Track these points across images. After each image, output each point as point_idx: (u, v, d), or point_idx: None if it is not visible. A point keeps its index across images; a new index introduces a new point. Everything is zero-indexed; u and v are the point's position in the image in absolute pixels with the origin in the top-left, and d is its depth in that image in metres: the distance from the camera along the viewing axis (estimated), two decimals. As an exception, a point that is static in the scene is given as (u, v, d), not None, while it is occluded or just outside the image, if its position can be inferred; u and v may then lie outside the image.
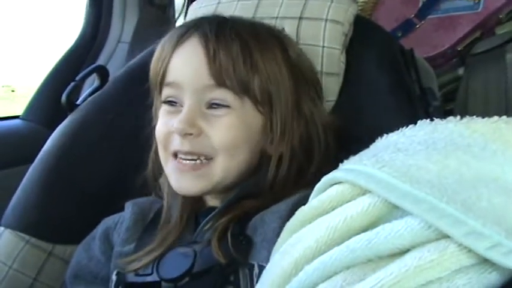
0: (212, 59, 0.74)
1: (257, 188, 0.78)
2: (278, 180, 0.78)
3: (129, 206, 0.87)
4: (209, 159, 0.76)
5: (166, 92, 0.79)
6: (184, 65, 0.77)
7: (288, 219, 0.68)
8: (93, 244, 0.87)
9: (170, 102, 0.78)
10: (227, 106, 0.75)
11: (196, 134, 0.75)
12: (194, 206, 0.82)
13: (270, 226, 0.71)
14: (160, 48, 0.81)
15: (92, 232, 0.89)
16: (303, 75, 0.82)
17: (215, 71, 0.74)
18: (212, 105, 0.76)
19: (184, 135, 0.74)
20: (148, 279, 0.74)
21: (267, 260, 0.67)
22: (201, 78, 0.75)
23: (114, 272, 0.80)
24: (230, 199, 0.78)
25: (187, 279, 0.72)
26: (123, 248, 0.82)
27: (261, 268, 0.69)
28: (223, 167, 0.76)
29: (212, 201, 0.83)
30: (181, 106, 0.77)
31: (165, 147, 0.79)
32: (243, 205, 0.77)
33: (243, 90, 0.75)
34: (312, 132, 0.81)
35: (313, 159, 0.80)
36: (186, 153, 0.76)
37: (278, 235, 0.67)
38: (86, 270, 0.86)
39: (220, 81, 0.74)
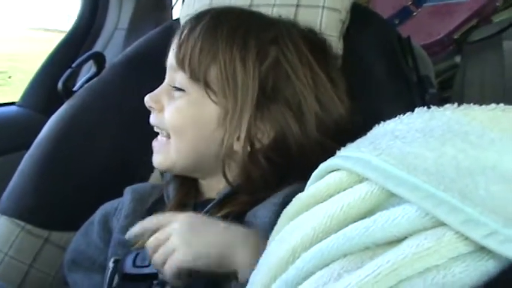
0: (180, 43, 0.80)
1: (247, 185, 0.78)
2: (263, 176, 0.77)
3: (128, 192, 0.88)
4: (168, 137, 0.81)
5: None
6: (171, 48, 0.83)
7: (279, 213, 0.69)
8: (92, 230, 0.88)
9: None
10: (182, 90, 0.79)
11: (158, 109, 0.81)
12: (190, 195, 0.83)
13: (261, 220, 0.72)
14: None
15: (90, 218, 0.89)
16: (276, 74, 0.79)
17: (179, 54, 0.79)
18: (174, 87, 0.80)
19: (150, 107, 0.82)
20: (146, 271, 0.74)
21: None
22: (173, 60, 0.80)
23: (112, 260, 0.79)
24: (225, 192, 0.79)
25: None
26: (122, 235, 0.82)
27: None
28: (175, 147, 0.80)
29: (209, 193, 0.83)
30: None
31: None
32: (238, 199, 0.77)
33: (196, 76, 0.78)
34: (287, 132, 0.78)
35: (304, 154, 0.78)
36: (153, 126, 0.82)
37: (270, 229, 0.68)
38: (84, 256, 0.87)
39: (179, 64, 0.79)
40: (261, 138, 0.78)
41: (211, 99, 0.78)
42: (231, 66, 0.77)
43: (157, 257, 0.67)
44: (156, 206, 0.84)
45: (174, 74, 0.80)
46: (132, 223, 0.83)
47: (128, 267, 0.77)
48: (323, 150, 0.78)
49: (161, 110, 0.81)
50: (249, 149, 0.77)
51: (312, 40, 0.83)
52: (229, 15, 0.82)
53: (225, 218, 0.74)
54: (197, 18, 0.82)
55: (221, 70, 0.77)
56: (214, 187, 0.81)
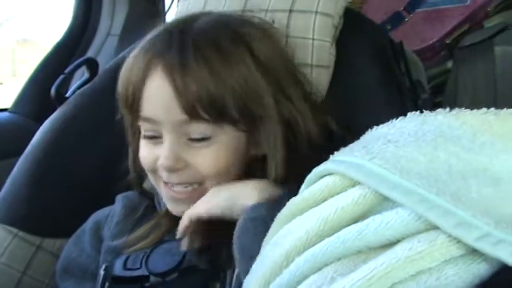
0: (182, 92, 0.69)
1: None
2: (279, 179, 0.76)
3: (119, 199, 0.87)
4: (201, 184, 0.75)
5: (143, 125, 0.76)
6: (156, 103, 0.72)
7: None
8: (83, 238, 0.87)
9: (150, 137, 0.75)
10: (207, 138, 0.72)
11: (183, 167, 0.73)
12: None
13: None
14: (128, 72, 0.75)
15: (82, 226, 0.89)
16: (278, 74, 0.77)
17: (186, 104, 0.70)
18: (192, 139, 0.73)
19: (170, 169, 0.73)
20: (137, 273, 0.74)
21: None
22: (175, 114, 0.71)
23: (103, 267, 0.79)
24: None
25: (176, 274, 0.72)
26: (113, 242, 0.82)
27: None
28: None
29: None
30: (161, 138, 0.74)
31: (153, 174, 0.77)
32: None
33: (219, 118, 0.71)
34: (296, 130, 0.78)
35: (301, 158, 0.78)
36: (177, 184, 0.75)
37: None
38: (75, 264, 0.86)
39: (194, 114, 0.70)
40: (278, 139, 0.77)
41: (240, 130, 0.74)
42: (245, 87, 0.72)
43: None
44: (148, 213, 0.84)
45: (186, 127, 0.72)
46: (123, 230, 0.83)
47: (119, 270, 0.76)
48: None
49: (186, 166, 0.73)
50: (279, 151, 0.75)
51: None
52: (204, 40, 0.73)
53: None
54: (169, 51, 0.72)
55: (236, 97, 0.71)
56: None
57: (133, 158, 0.84)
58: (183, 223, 0.73)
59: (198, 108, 0.70)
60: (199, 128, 0.71)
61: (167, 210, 0.80)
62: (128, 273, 0.75)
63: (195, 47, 0.72)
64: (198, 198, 0.75)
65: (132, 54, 0.77)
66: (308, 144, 0.78)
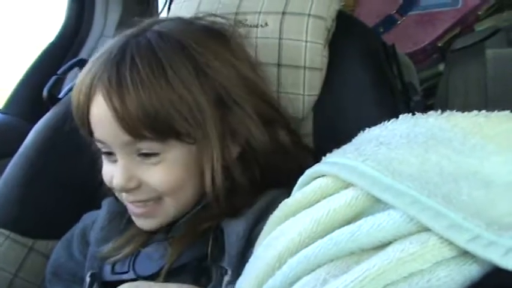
0: (121, 115, 0.69)
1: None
2: (238, 186, 0.76)
3: (105, 204, 0.87)
4: (158, 200, 0.75)
5: (98, 144, 0.76)
6: (100, 126, 0.72)
7: (254, 223, 0.70)
8: (72, 243, 0.87)
9: (106, 153, 0.76)
10: (156, 154, 0.72)
11: (137, 186, 0.73)
12: None
13: (235, 230, 0.72)
14: (77, 94, 0.74)
15: (71, 229, 0.89)
16: (226, 86, 0.75)
17: (128, 126, 0.69)
18: (142, 154, 0.72)
19: (125, 190, 0.74)
20: (125, 277, 0.74)
21: (229, 264, 0.68)
22: (118, 136, 0.70)
23: (88, 274, 0.79)
24: (198, 208, 0.78)
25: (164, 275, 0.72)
26: (98, 248, 0.81)
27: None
28: (174, 204, 0.75)
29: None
30: (115, 155, 0.74)
31: (115, 190, 0.78)
32: (211, 212, 0.76)
33: (163, 134, 0.70)
34: (252, 141, 0.76)
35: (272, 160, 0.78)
36: (133, 201, 0.75)
37: (241, 240, 0.69)
38: (64, 269, 0.86)
39: (137, 135, 0.70)
40: (232, 152, 0.76)
41: (188, 143, 0.72)
42: (190, 99, 0.70)
43: None
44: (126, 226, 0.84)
45: (134, 145, 0.71)
46: (108, 235, 0.82)
47: (107, 275, 0.77)
48: (289, 155, 0.80)
49: (140, 185, 0.73)
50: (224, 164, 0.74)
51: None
52: (144, 55, 0.71)
53: (201, 222, 0.75)
54: (108, 72, 0.70)
55: (181, 111, 0.70)
56: (188, 202, 0.78)
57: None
58: None
59: (140, 128, 0.69)
60: (145, 145, 0.71)
61: None
62: (117, 277, 0.75)
63: (132, 66, 0.70)
64: (157, 213, 0.75)
65: (81, 72, 0.76)
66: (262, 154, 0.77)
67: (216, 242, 0.73)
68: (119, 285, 0.70)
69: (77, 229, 0.88)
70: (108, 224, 0.83)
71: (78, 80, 0.75)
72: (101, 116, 0.71)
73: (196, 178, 0.75)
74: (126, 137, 0.70)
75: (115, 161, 0.74)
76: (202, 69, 0.73)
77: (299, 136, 0.87)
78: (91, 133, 0.75)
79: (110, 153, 0.75)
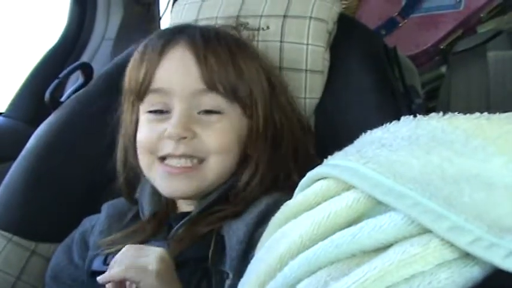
0: (203, 63, 0.74)
1: (231, 191, 0.78)
2: (253, 183, 0.78)
3: (105, 208, 0.87)
4: (201, 161, 0.76)
5: (151, 99, 0.78)
6: (175, 71, 0.76)
7: (255, 227, 0.70)
8: (72, 247, 0.87)
9: (156, 112, 0.77)
10: (219, 112, 0.76)
11: (191, 137, 0.75)
12: (164, 209, 0.83)
13: (235, 233, 0.72)
14: (140, 55, 0.79)
15: (71, 234, 0.89)
16: (274, 83, 0.83)
17: (206, 75, 0.74)
18: (204, 112, 0.76)
19: (179, 139, 0.74)
20: None
21: (230, 267, 0.68)
22: (193, 82, 0.75)
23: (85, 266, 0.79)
24: (205, 205, 0.78)
25: None
26: (96, 251, 0.81)
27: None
28: (215, 169, 0.77)
29: (185, 207, 0.82)
30: (169, 113, 0.76)
31: (150, 153, 0.78)
32: (215, 212, 0.77)
33: (233, 95, 0.76)
34: (284, 136, 0.82)
35: (287, 163, 0.81)
36: (180, 156, 0.75)
37: (241, 243, 0.70)
38: (65, 273, 0.86)
39: (211, 85, 0.75)
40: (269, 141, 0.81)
41: (246, 114, 0.78)
42: (255, 79, 0.78)
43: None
44: (134, 221, 0.84)
45: (200, 98, 0.75)
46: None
47: (98, 265, 0.77)
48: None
49: (193, 137, 0.75)
50: (267, 153, 0.80)
51: None
52: (222, 31, 0.82)
53: (201, 228, 0.75)
54: (183, 33, 0.79)
55: (247, 85, 0.77)
56: (226, 171, 0.80)
57: (123, 157, 0.85)
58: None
59: (216, 80, 0.74)
60: (212, 100, 0.75)
61: (150, 218, 0.80)
62: (106, 269, 0.75)
63: (215, 33, 0.79)
64: (196, 175, 0.76)
65: (144, 43, 0.81)
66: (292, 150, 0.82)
67: (216, 246, 0.73)
68: None
69: (76, 233, 0.88)
70: (108, 228, 0.83)
71: (144, 43, 0.81)
72: (180, 61, 0.76)
73: (241, 151, 0.79)
74: (198, 85, 0.75)
75: (166, 119, 0.76)
76: (263, 64, 0.81)
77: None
78: (147, 87, 0.77)
79: (161, 112, 0.77)
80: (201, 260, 0.72)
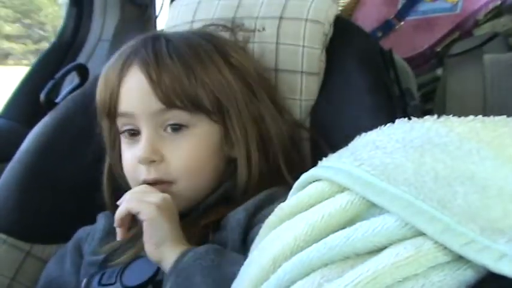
0: (156, 83, 0.74)
1: (232, 192, 0.79)
2: (252, 181, 0.79)
3: (101, 217, 0.87)
4: (171, 184, 0.77)
5: (121, 121, 0.79)
6: (132, 95, 0.77)
7: (254, 212, 0.72)
8: (65, 258, 0.87)
9: (129, 132, 0.79)
10: (184, 126, 0.76)
11: (159, 160, 0.76)
12: None
13: (234, 217, 0.73)
14: (105, 77, 0.80)
15: (64, 246, 0.89)
16: (249, 77, 0.82)
17: (161, 94, 0.74)
18: (169, 127, 0.76)
19: (150, 162, 0.76)
20: None
21: (232, 248, 0.69)
22: (152, 104, 0.75)
23: (84, 281, 0.79)
24: (203, 207, 0.79)
25: (150, 286, 0.71)
26: (93, 257, 0.81)
27: None
28: (188, 188, 0.78)
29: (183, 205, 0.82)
30: (140, 134, 0.77)
31: (134, 179, 0.79)
32: (215, 212, 0.77)
33: (194, 107, 0.76)
34: (271, 137, 0.81)
35: (279, 160, 0.81)
36: (152, 181, 0.76)
37: (241, 225, 0.71)
38: (56, 285, 0.86)
39: (169, 103, 0.75)
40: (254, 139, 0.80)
41: (213, 120, 0.78)
42: (217, 83, 0.77)
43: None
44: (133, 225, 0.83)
45: (163, 115, 0.76)
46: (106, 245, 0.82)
47: (94, 286, 0.76)
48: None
49: (162, 160, 0.76)
50: (255, 151, 0.79)
51: None
52: (176, 42, 0.80)
53: (199, 230, 0.75)
54: (144, 50, 0.78)
55: (208, 90, 0.77)
56: (191, 198, 0.81)
57: (108, 174, 0.87)
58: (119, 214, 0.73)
59: (173, 96, 0.74)
60: (175, 116, 0.76)
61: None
62: None
63: (169, 46, 0.77)
64: (172, 197, 0.75)
65: (108, 64, 0.81)
66: (281, 147, 0.82)
67: (216, 229, 0.74)
68: None
69: (70, 244, 0.88)
70: (106, 236, 0.84)
71: (108, 64, 0.81)
72: (136, 85, 0.76)
73: (217, 161, 0.79)
74: (157, 106, 0.75)
75: (138, 142, 0.77)
76: (233, 66, 0.80)
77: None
78: (115, 111, 0.78)
79: (133, 133, 0.78)
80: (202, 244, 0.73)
